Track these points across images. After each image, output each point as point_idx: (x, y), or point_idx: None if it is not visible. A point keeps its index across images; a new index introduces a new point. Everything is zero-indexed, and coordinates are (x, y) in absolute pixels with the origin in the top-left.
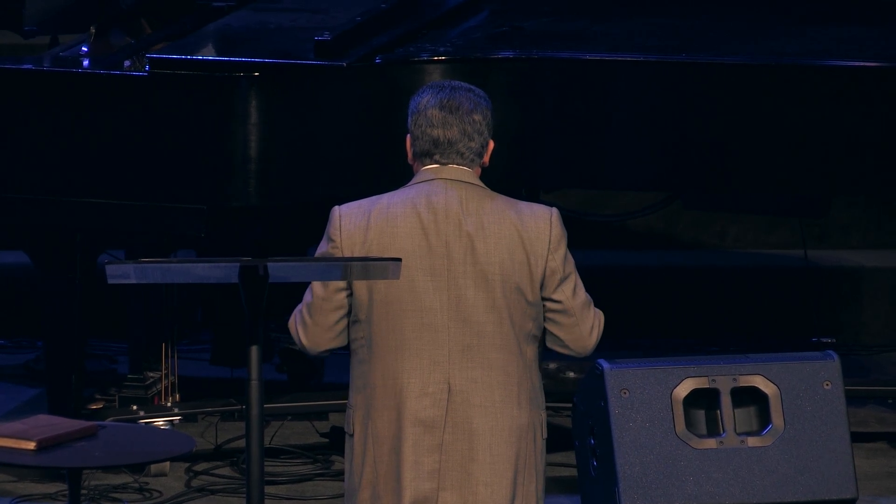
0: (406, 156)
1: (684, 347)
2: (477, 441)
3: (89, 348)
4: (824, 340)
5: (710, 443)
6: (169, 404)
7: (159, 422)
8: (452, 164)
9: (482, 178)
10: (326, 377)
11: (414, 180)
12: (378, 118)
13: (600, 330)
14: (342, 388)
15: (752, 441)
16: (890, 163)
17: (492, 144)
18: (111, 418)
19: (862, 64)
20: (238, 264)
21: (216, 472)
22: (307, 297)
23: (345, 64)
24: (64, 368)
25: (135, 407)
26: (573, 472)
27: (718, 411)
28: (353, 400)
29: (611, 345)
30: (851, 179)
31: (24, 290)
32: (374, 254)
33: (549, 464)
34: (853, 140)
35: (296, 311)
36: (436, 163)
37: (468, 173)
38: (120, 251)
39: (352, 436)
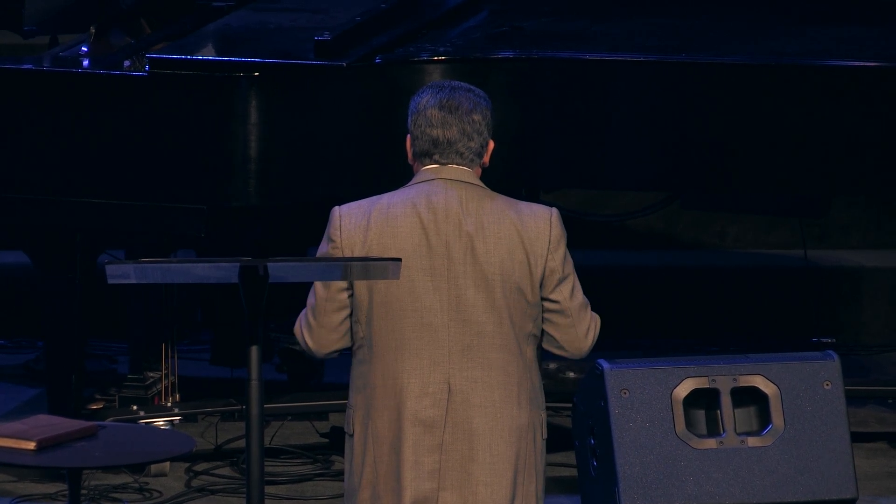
0: (406, 156)
1: (684, 347)
2: (477, 441)
3: (89, 348)
4: (824, 340)
5: (710, 443)
6: (169, 404)
7: (159, 422)
8: (452, 164)
9: (482, 178)
10: (326, 377)
11: (414, 180)
12: (378, 118)
13: (596, 333)
14: (342, 388)
15: (752, 441)
16: (890, 163)
17: (492, 144)
18: (111, 418)
19: (862, 64)
20: (238, 264)
21: (216, 472)
22: (310, 299)
23: (345, 64)
24: (64, 368)
25: (135, 407)
26: (573, 472)
27: (718, 411)
28: (353, 400)
29: (611, 345)
30: (851, 179)
31: (24, 290)
32: (374, 254)
33: (549, 464)
34: (853, 140)
35: (300, 316)
36: (435, 163)
37: (468, 173)
38: (120, 251)
39: (352, 436)
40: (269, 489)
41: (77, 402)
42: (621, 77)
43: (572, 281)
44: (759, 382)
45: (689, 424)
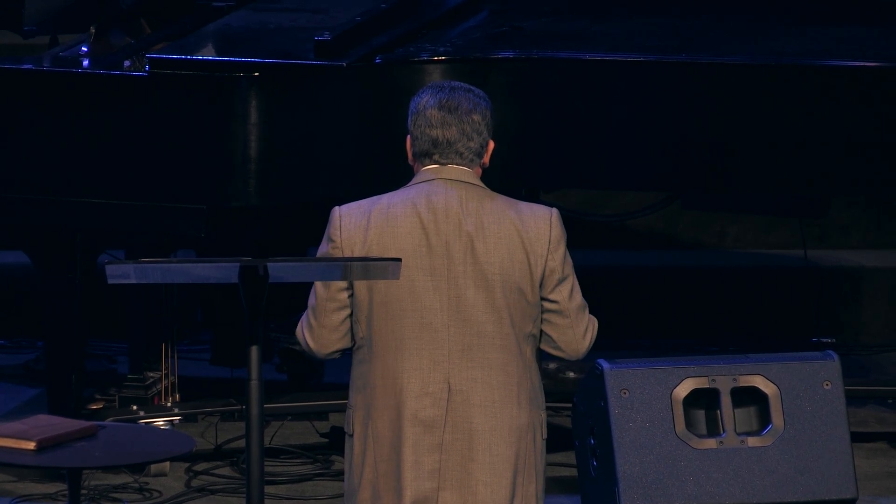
0: (406, 156)
1: (684, 347)
2: (477, 441)
3: (89, 348)
4: (824, 340)
5: (710, 443)
6: (169, 404)
7: (159, 422)
8: (452, 164)
9: (482, 178)
10: (326, 377)
11: (414, 180)
12: (378, 118)
13: (593, 335)
14: (342, 388)
15: (752, 441)
16: (890, 163)
17: (492, 145)
18: (111, 418)
19: (862, 64)
20: (238, 264)
21: (216, 472)
22: (311, 300)
23: (345, 64)
24: (64, 368)
25: (135, 407)
26: (573, 472)
27: (718, 411)
28: (353, 400)
29: (611, 345)
30: (851, 179)
31: (24, 290)
32: (375, 254)
33: (549, 464)
34: (853, 140)
35: (301, 318)
36: (435, 163)
37: (468, 173)
38: (120, 251)
39: (352, 436)
40: (269, 489)
41: (77, 402)
42: (621, 77)
43: (572, 282)
44: (759, 382)
45: (689, 424)
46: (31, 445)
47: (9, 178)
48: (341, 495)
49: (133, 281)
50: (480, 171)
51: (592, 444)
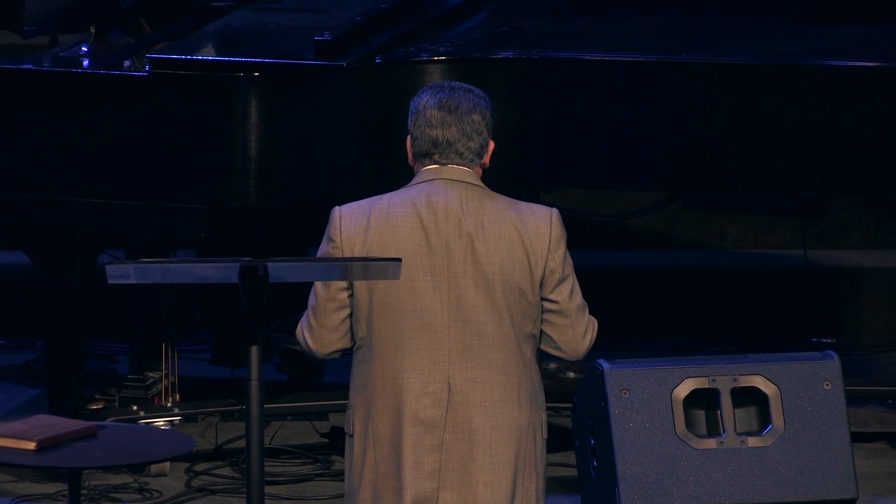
0: (406, 156)
1: (684, 347)
2: (477, 441)
3: (89, 348)
4: (824, 340)
5: (710, 443)
6: (169, 404)
7: (159, 422)
8: (452, 164)
9: (482, 178)
10: (326, 377)
11: (414, 180)
12: (378, 118)
13: (593, 336)
14: (342, 388)
15: (752, 441)
16: (890, 163)
17: (492, 145)
18: (111, 418)
19: (862, 64)
20: (238, 264)
21: (216, 472)
22: (311, 300)
23: (345, 64)
24: (64, 368)
25: (135, 407)
26: (573, 472)
27: (718, 411)
28: (353, 400)
29: (611, 345)
30: (851, 179)
31: (24, 290)
32: (375, 254)
33: (549, 464)
34: (853, 140)
35: (301, 318)
36: (435, 163)
37: (468, 173)
38: (120, 251)
39: (352, 436)
40: (269, 489)
41: (77, 402)
42: (621, 77)
43: (572, 282)
44: (759, 382)
45: (689, 424)
46: (31, 445)
47: (9, 178)
48: (341, 495)
49: (133, 281)
50: (480, 171)
51: (592, 444)
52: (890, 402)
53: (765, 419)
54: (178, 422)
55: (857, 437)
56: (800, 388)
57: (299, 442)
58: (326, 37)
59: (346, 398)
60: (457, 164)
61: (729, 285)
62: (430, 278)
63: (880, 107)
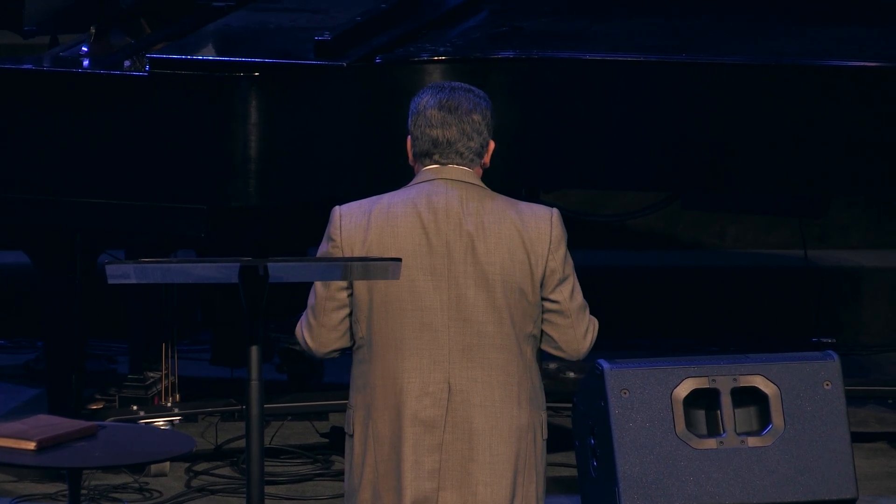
0: (406, 156)
1: (684, 347)
2: (477, 441)
3: (89, 348)
4: (824, 340)
5: (711, 443)
6: (169, 404)
7: (159, 422)
8: (452, 164)
9: (482, 178)
10: (326, 377)
11: (414, 180)
12: (378, 118)
13: (594, 336)
14: (342, 388)
15: (752, 441)
16: (890, 163)
17: (492, 145)
18: (111, 418)
19: (862, 64)
20: (238, 264)
21: (216, 472)
22: (310, 299)
23: (345, 64)
24: (64, 368)
25: (135, 407)
26: (573, 472)
27: (718, 411)
28: (353, 400)
29: (611, 345)
30: (851, 179)
31: (24, 290)
32: (375, 253)
33: (549, 464)
34: (853, 140)
35: (301, 317)
36: (436, 163)
37: (468, 173)
38: (120, 251)
39: (352, 436)
40: (269, 489)
41: (77, 402)
42: (621, 77)
43: (572, 282)
44: (759, 382)
45: (690, 424)
46: (31, 445)
47: (9, 178)
48: (341, 495)
49: (133, 281)
50: (481, 171)
51: (592, 444)
52: (890, 402)
53: (765, 419)
54: (178, 422)
55: (857, 437)
56: (800, 388)
57: (299, 442)
58: (326, 37)
59: (346, 398)
60: (457, 164)
61: (729, 285)
62: (430, 278)
63: (880, 107)
